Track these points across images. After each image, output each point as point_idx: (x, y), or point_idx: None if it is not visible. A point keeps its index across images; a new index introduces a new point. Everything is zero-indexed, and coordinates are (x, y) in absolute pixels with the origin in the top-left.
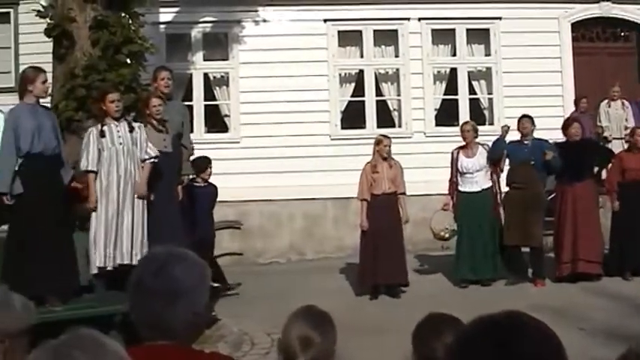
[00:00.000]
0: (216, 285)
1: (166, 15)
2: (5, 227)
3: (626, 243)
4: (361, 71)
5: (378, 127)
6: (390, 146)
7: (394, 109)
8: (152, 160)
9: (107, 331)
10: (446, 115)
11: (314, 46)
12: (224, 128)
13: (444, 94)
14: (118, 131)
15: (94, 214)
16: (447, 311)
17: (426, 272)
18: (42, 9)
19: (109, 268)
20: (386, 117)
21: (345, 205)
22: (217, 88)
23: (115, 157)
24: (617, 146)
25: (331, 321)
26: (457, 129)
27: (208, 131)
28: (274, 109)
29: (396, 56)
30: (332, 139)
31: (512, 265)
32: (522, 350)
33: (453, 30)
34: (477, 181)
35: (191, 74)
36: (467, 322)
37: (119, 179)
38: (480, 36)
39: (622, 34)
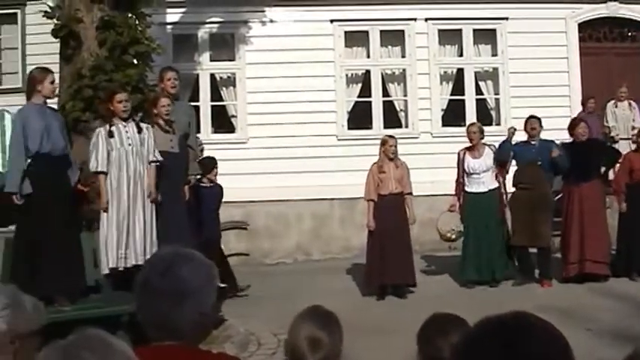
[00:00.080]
0: (223, 285)
1: (173, 15)
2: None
3: (633, 244)
4: (368, 72)
5: (385, 127)
6: (395, 146)
7: (401, 110)
8: (156, 163)
9: (114, 331)
10: (453, 115)
11: (321, 46)
12: (231, 129)
13: (451, 95)
14: (127, 132)
15: (104, 214)
16: (453, 312)
17: (432, 273)
18: (49, 10)
19: (120, 269)
20: (393, 117)
21: (351, 206)
22: (224, 88)
23: (124, 157)
24: (624, 147)
25: (338, 321)
26: (464, 129)
27: (215, 132)
28: (281, 109)
29: (403, 57)
30: (339, 140)
31: (520, 265)
32: (529, 351)
33: (460, 30)
34: (484, 181)
35: (198, 75)
36: (473, 323)
37: (129, 180)
38: (486, 36)
39: (629, 34)
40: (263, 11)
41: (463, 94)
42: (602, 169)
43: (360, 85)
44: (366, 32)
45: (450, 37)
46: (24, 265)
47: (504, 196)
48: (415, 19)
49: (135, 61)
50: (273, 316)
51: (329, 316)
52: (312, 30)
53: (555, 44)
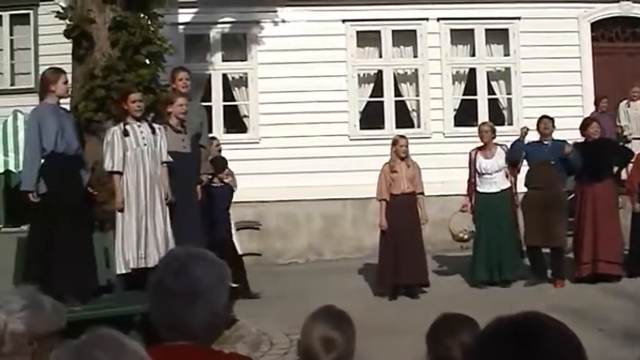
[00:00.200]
0: (235, 285)
1: (185, 16)
2: (25, 227)
3: None
4: (380, 71)
5: (397, 127)
6: (406, 146)
7: (413, 110)
8: (168, 164)
9: (127, 331)
10: (465, 115)
11: (332, 46)
12: (243, 129)
13: (463, 95)
14: (142, 132)
15: (119, 214)
16: (466, 312)
17: (444, 273)
18: (61, 10)
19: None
20: (405, 117)
21: (363, 206)
22: (236, 88)
23: (140, 157)
24: (636, 146)
25: (350, 321)
26: (476, 129)
27: (227, 132)
28: (293, 109)
29: (415, 56)
30: (351, 140)
31: (533, 266)
32: (543, 351)
33: (472, 30)
34: (496, 181)
35: (210, 75)
36: (486, 323)
37: (145, 180)
38: (498, 36)
39: None
40: (275, 11)
41: (475, 94)
42: (615, 169)
43: (372, 85)
44: (378, 32)
45: (462, 36)
46: (36, 265)
47: (515, 197)
48: (427, 19)
49: (147, 62)
50: (285, 316)
51: (342, 316)
52: (324, 30)
53: (568, 44)
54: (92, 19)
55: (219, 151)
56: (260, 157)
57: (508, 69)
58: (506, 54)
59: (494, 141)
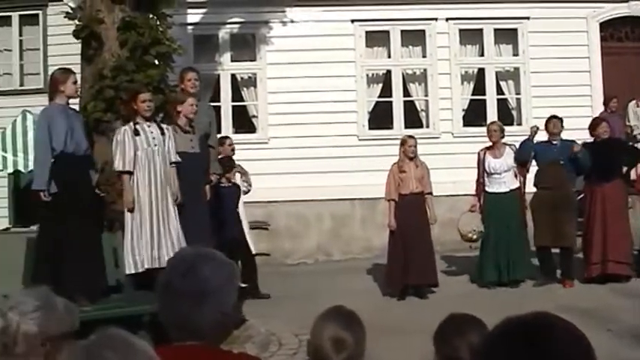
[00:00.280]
0: (244, 285)
1: (194, 16)
2: (34, 227)
3: None
4: (389, 72)
5: (406, 127)
6: (415, 146)
7: (422, 110)
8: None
9: (136, 331)
10: (474, 115)
11: (341, 46)
12: (252, 129)
13: (472, 95)
14: (152, 132)
15: (128, 215)
16: (474, 313)
17: (453, 273)
18: (70, 11)
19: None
20: (413, 117)
21: (372, 206)
22: (245, 88)
23: (151, 157)
24: None
25: (360, 321)
26: (485, 129)
27: (236, 132)
28: (302, 109)
29: (424, 56)
30: (360, 140)
31: (542, 266)
32: (551, 351)
33: (481, 30)
34: (505, 181)
35: (219, 75)
36: (495, 324)
37: (156, 180)
38: (507, 36)
39: None
40: (284, 11)
41: (484, 94)
42: (624, 169)
43: (380, 85)
44: (387, 32)
45: (470, 36)
46: (46, 265)
47: (524, 197)
48: (436, 19)
49: (156, 62)
50: (294, 316)
51: (352, 317)
52: (332, 30)
53: (576, 44)
54: (101, 20)
55: (232, 150)
56: (269, 158)
57: (517, 69)
58: (515, 54)
59: (503, 141)
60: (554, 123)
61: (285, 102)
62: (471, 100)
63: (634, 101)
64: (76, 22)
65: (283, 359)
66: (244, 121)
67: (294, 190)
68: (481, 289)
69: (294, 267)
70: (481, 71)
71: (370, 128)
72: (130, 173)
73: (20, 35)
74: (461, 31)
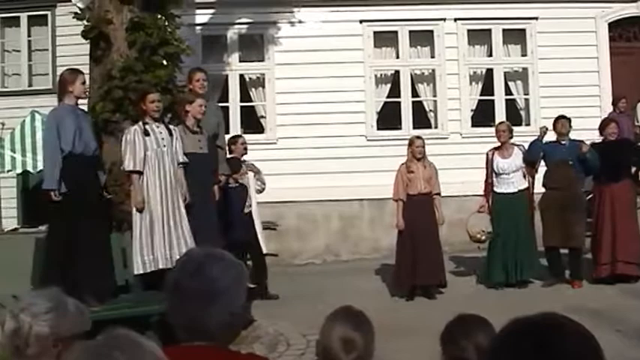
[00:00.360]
0: (252, 286)
1: (202, 16)
2: (43, 228)
3: None
4: (397, 72)
5: (414, 128)
6: (422, 147)
7: (430, 110)
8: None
9: (144, 331)
10: (482, 115)
11: (350, 47)
12: (260, 129)
13: (480, 95)
14: (161, 132)
15: (137, 215)
16: (483, 313)
17: (462, 274)
18: (79, 11)
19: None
20: (422, 118)
21: (380, 206)
22: (253, 89)
23: (161, 158)
24: None
25: (369, 321)
26: (493, 130)
27: (244, 132)
28: (310, 110)
29: (432, 57)
30: (368, 140)
31: (550, 266)
32: (560, 352)
33: (489, 30)
34: (513, 182)
35: (227, 75)
36: (503, 324)
37: (166, 181)
38: (516, 36)
39: None
40: (292, 12)
41: (492, 95)
42: (633, 169)
43: (389, 85)
44: (395, 32)
45: (479, 37)
46: (55, 265)
47: (532, 197)
48: (444, 19)
49: (164, 62)
50: (302, 316)
51: (361, 317)
52: (341, 30)
53: (585, 44)
54: (110, 20)
55: (245, 149)
56: (277, 158)
57: (525, 69)
58: (524, 54)
59: (512, 141)
60: (562, 123)
61: (294, 102)
62: (480, 101)
63: None
64: (85, 22)
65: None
66: (252, 122)
67: (303, 191)
68: (489, 289)
69: (302, 267)
70: (489, 71)
71: (378, 129)
72: (140, 173)
73: (29, 36)
74: (469, 31)
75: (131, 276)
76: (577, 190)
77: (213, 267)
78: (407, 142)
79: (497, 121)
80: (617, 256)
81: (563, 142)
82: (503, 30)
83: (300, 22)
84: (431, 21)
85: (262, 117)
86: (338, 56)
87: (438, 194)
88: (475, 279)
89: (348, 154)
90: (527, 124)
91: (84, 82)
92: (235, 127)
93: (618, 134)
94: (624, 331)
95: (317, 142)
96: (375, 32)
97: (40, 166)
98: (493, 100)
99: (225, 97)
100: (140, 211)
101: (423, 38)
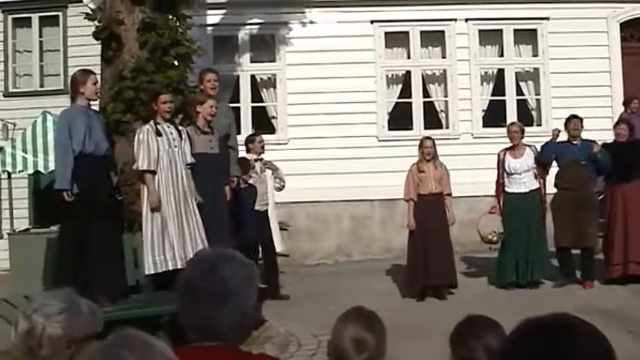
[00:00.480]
0: (263, 286)
1: (213, 17)
2: (54, 228)
3: None
4: (408, 72)
5: (425, 128)
6: (432, 147)
7: (441, 111)
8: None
9: (155, 331)
10: (493, 116)
11: (361, 47)
12: (271, 130)
13: (492, 95)
14: (172, 133)
15: (148, 215)
16: (494, 314)
17: (473, 274)
18: (90, 12)
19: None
20: (433, 118)
21: (392, 207)
22: (264, 89)
23: (172, 158)
24: None
25: (381, 321)
26: (505, 130)
27: (255, 133)
28: (321, 110)
29: (443, 57)
30: (379, 141)
31: (562, 267)
32: (572, 352)
33: (501, 30)
34: (525, 182)
35: (238, 76)
36: (515, 325)
37: (178, 181)
38: (527, 36)
39: None
40: (303, 12)
41: (504, 95)
42: None
43: (400, 85)
44: (407, 33)
45: (490, 37)
46: (67, 266)
47: (544, 198)
48: (455, 20)
49: (175, 63)
50: (313, 317)
51: (373, 317)
52: (352, 31)
53: (596, 44)
54: (121, 21)
55: (262, 147)
56: (288, 158)
57: (537, 69)
58: (535, 54)
59: (523, 141)
60: (574, 123)
61: (305, 103)
62: (491, 101)
63: None
64: (96, 23)
65: None
66: (264, 122)
67: (314, 191)
68: (500, 290)
69: (313, 268)
70: (501, 72)
71: (390, 129)
72: (154, 173)
73: (40, 36)
74: (480, 31)
75: (142, 276)
76: (589, 190)
77: (224, 267)
78: (418, 142)
79: (508, 122)
80: (629, 256)
81: (575, 142)
82: (515, 30)
83: (311, 22)
84: (442, 21)
85: (273, 117)
86: (349, 57)
87: (449, 195)
88: (486, 280)
89: (360, 154)
90: (539, 125)
91: (95, 83)
92: (247, 128)
93: (630, 135)
94: (636, 332)
95: (328, 143)
96: (386, 33)
97: (51, 166)
98: (504, 101)
99: (236, 98)
100: (155, 210)
101: (434, 38)
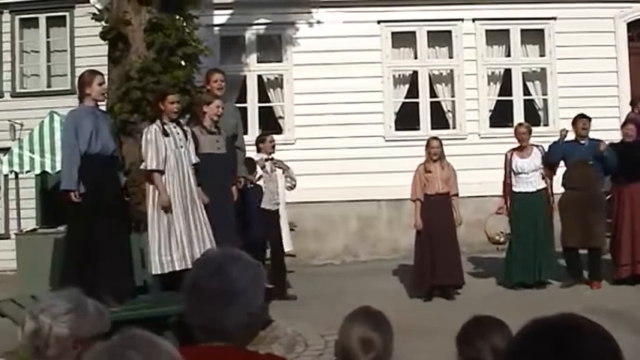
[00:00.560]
0: (270, 286)
1: (220, 17)
2: (62, 228)
3: None
4: (415, 72)
5: (432, 128)
6: (439, 147)
7: (448, 111)
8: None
9: (162, 331)
10: (500, 116)
11: (368, 47)
12: (278, 130)
13: (499, 95)
14: (178, 133)
15: (155, 215)
16: (501, 314)
17: (480, 274)
18: (97, 12)
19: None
20: (440, 118)
21: (399, 207)
22: (271, 89)
23: (179, 158)
24: None
25: (388, 322)
26: (512, 130)
27: (262, 133)
28: (328, 110)
29: (450, 57)
30: (386, 141)
31: (568, 267)
32: (579, 353)
33: (507, 30)
34: (532, 181)
35: (245, 76)
36: (522, 325)
37: (185, 181)
38: (534, 36)
39: None
40: (310, 12)
41: (511, 95)
42: None
43: (407, 86)
44: (414, 33)
45: (497, 37)
46: (74, 266)
47: (551, 199)
48: (462, 20)
49: (182, 63)
50: (320, 317)
51: (380, 317)
52: (359, 31)
53: (604, 44)
54: (128, 21)
55: (273, 147)
56: (295, 159)
57: (544, 69)
58: (542, 54)
59: (530, 141)
60: (583, 123)
61: (312, 103)
62: (498, 101)
63: None
64: (103, 23)
65: None
66: (271, 122)
67: (321, 191)
68: (508, 290)
69: (320, 268)
70: (508, 72)
71: (396, 129)
72: (162, 173)
73: (47, 37)
74: (487, 31)
75: (149, 276)
76: (597, 190)
77: (231, 267)
78: (425, 142)
79: (515, 122)
80: (636, 256)
81: (582, 142)
82: (522, 30)
83: (318, 22)
84: (449, 21)
85: (280, 117)
86: (356, 57)
87: (456, 195)
88: (494, 280)
89: (367, 154)
90: (546, 125)
91: (101, 84)
92: (253, 128)
93: (638, 134)
94: None
95: (335, 143)
96: (393, 33)
97: (58, 167)
98: (511, 101)
99: (243, 98)
100: (166, 210)
101: (441, 38)
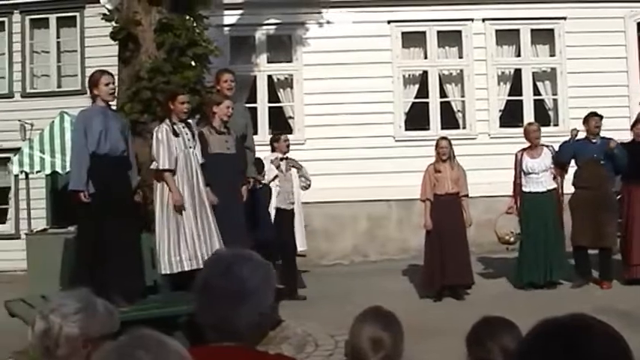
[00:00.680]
0: (280, 287)
1: (230, 17)
2: (72, 228)
3: None
4: (425, 72)
5: (442, 128)
6: (448, 147)
7: (458, 111)
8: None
9: (172, 332)
10: (510, 116)
11: (378, 47)
12: (288, 130)
13: (509, 95)
14: (187, 134)
15: (164, 215)
16: (511, 314)
17: (490, 275)
18: (107, 12)
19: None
20: (450, 118)
21: (409, 207)
22: (281, 90)
23: (188, 158)
24: None
25: (398, 321)
26: (521, 130)
27: (272, 133)
28: (338, 110)
29: (460, 57)
30: (396, 141)
31: (578, 267)
32: (589, 353)
33: (517, 30)
34: (542, 181)
35: (255, 76)
36: (532, 325)
37: (195, 181)
38: (544, 36)
39: None
40: (320, 12)
41: (521, 95)
42: None
43: (417, 86)
44: (424, 33)
45: (507, 37)
46: (85, 266)
47: (562, 199)
48: (472, 20)
49: (192, 63)
50: (330, 317)
51: (390, 317)
52: (369, 31)
53: (614, 44)
54: (138, 21)
55: (288, 146)
56: (305, 159)
57: (554, 69)
58: (552, 54)
59: (540, 141)
60: (595, 121)
61: (322, 103)
62: (508, 101)
63: None
64: (113, 23)
65: None
66: (280, 123)
67: (331, 191)
68: (518, 290)
69: (330, 268)
70: (518, 72)
71: (406, 129)
72: (174, 172)
73: (58, 37)
74: (497, 31)
75: (160, 276)
76: (608, 190)
77: (242, 267)
78: (435, 142)
79: (525, 122)
80: None
81: (594, 141)
82: (532, 30)
83: (328, 22)
84: (459, 21)
85: (290, 118)
86: (366, 57)
87: (466, 196)
88: (504, 280)
89: (376, 154)
90: (556, 125)
91: (108, 84)
92: (263, 128)
93: None
94: None
95: (345, 143)
96: (403, 33)
97: (68, 167)
98: (521, 101)
99: (253, 98)
100: (179, 210)
101: (451, 38)
